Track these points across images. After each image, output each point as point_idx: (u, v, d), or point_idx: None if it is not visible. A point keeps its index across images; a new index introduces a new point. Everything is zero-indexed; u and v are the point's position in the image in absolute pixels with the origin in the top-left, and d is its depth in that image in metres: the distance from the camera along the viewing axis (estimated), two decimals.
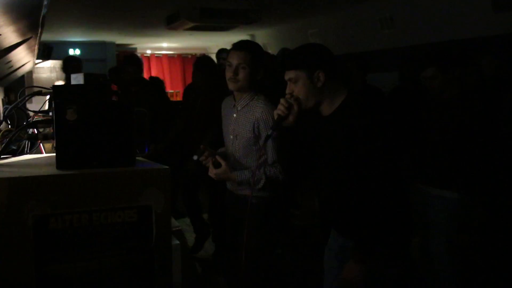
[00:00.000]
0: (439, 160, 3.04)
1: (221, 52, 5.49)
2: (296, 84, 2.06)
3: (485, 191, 3.76)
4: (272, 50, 8.68)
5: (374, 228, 2.01)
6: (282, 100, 2.12)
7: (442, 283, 3.09)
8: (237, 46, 2.64)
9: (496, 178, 3.79)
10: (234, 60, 2.59)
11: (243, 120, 2.63)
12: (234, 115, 2.68)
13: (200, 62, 4.48)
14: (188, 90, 4.80)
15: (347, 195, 2.09)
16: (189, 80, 11.68)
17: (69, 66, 4.88)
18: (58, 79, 9.04)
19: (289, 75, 2.07)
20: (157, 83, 6.32)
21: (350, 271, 2.05)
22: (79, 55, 9.84)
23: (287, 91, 2.10)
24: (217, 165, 2.59)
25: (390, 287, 2.13)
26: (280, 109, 2.10)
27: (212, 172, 2.60)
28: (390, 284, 2.12)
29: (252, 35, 9.42)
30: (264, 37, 9.15)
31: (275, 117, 2.15)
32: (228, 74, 2.61)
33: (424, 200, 3.10)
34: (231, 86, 2.62)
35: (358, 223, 2.05)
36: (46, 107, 1.70)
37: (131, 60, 4.48)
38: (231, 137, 2.70)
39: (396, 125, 3.48)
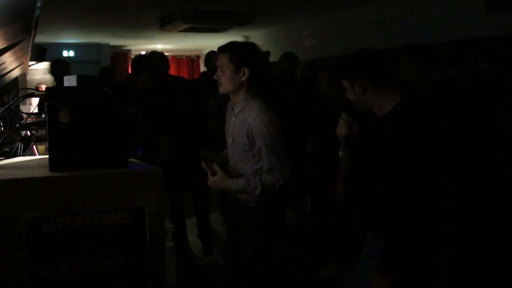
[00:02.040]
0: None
1: (211, 55, 5.50)
2: (347, 91, 2.19)
3: (477, 185, 3.79)
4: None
5: (405, 234, 2.03)
6: (341, 121, 2.28)
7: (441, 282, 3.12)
8: (219, 48, 2.63)
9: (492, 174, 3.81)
10: (218, 63, 2.59)
11: (239, 124, 2.58)
12: (233, 118, 2.64)
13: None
14: None
15: (385, 197, 2.13)
16: None
17: (57, 69, 4.85)
18: (52, 81, 9.02)
19: (342, 82, 2.21)
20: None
21: (378, 282, 2.09)
22: (73, 57, 9.82)
23: (347, 95, 2.22)
24: (215, 173, 2.56)
25: None
26: (343, 129, 2.26)
27: (209, 180, 2.57)
28: None
29: (246, 37, 9.43)
30: (258, 38, 9.16)
31: (340, 137, 2.29)
32: (216, 76, 2.61)
33: None
34: (219, 89, 2.62)
35: (391, 226, 2.08)
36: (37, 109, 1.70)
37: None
38: (230, 140, 2.67)
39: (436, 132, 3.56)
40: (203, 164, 2.57)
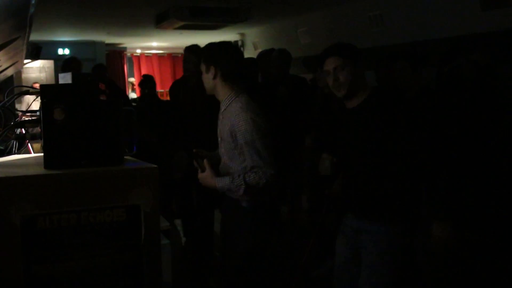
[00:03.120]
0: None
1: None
2: (343, 70, 2.32)
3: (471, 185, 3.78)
4: (262, 48, 8.67)
5: (397, 208, 2.32)
6: (326, 163, 2.62)
7: (439, 276, 3.12)
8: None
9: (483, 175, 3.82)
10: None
11: (224, 123, 2.59)
12: (221, 116, 2.64)
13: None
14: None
15: (380, 178, 2.34)
16: None
17: (71, 66, 4.82)
18: (47, 79, 9.00)
19: (337, 62, 2.34)
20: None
21: (443, 229, 2.34)
22: (68, 55, 9.78)
23: (332, 78, 2.36)
24: (204, 170, 2.57)
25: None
26: (325, 168, 2.64)
27: (198, 176, 2.59)
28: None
29: (242, 34, 9.41)
30: (253, 35, 9.15)
31: (321, 173, 2.62)
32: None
33: None
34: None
35: (382, 205, 2.34)
36: (33, 107, 1.70)
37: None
38: (219, 139, 2.68)
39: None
40: (195, 162, 2.58)
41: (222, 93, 2.60)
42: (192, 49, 3.97)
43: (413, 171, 2.33)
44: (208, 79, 2.60)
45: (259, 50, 8.45)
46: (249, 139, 2.44)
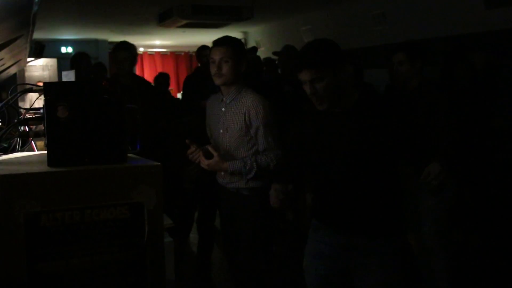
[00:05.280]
0: (420, 151, 3.07)
1: (203, 49, 5.47)
2: (321, 82, 2.01)
3: (472, 182, 3.79)
4: (265, 47, 8.67)
5: (392, 218, 2.12)
6: (276, 201, 2.35)
7: (438, 275, 3.11)
8: (218, 42, 2.75)
9: (483, 170, 3.82)
10: (216, 56, 2.69)
11: (233, 112, 2.70)
12: (223, 109, 2.74)
13: None
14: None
15: (372, 188, 2.08)
16: (182, 77, 11.65)
17: (79, 62, 4.78)
18: (50, 77, 9.00)
19: (313, 75, 2.01)
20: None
21: (434, 167, 2.30)
22: (71, 53, 9.80)
23: (310, 91, 2.05)
24: (208, 157, 2.63)
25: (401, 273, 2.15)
26: (276, 201, 2.35)
27: (205, 163, 2.64)
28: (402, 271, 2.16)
29: (245, 32, 9.41)
30: (256, 34, 9.14)
31: (273, 206, 2.39)
32: (213, 70, 2.71)
33: (418, 190, 3.12)
34: (217, 81, 2.71)
35: (378, 216, 2.10)
36: (36, 104, 1.70)
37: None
38: (221, 131, 2.74)
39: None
40: (190, 150, 2.69)
41: (234, 85, 2.73)
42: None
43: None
44: (239, 71, 2.71)
45: (262, 49, 8.46)
46: (269, 122, 2.66)
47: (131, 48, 3.95)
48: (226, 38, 2.77)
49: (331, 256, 2.17)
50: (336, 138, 2.11)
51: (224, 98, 2.76)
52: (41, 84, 1.71)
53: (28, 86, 1.64)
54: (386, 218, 2.10)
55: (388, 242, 2.10)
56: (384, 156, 2.06)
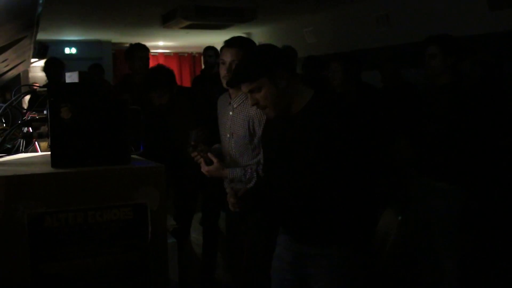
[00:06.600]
0: (437, 151, 3.03)
1: (208, 50, 5.46)
2: (259, 92, 1.96)
3: (482, 185, 3.76)
4: None
5: (345, 226, 1.98)
6: (230, 206, 2.11)
7: (447, 279, 3.09)
8: (229, 43, 2.60)
9: (497, 172, 3.79)
10: (227, 57, 2.57)
11: (238, 118, 2.61)
12: (230, 112, 2.66)
13: None
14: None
15: (318, 196, 1.96)
16: (185, 78, 11.66)
17: (51, 68, 4.81)
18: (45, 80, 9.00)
19: (249, 86, 1.96)
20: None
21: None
22: (75, 54, 9.83)
23: (252, 103, 2.01)
24: (209, 163, 2.60)
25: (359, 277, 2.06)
26: (231, 207, 2.12)
27: (204, 169, 2.61)
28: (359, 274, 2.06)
29: (248, 34, 9.41)
30: (259, 35, 9.14)
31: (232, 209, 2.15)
32: (222, 72, 2.59)
33: (427, 193, 3.10)
34: (225, 83, 2.60)
35: (327, 224, 1.99)
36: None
37: None
38: (228, 135, 2.68)
39: (368, 122, 3.55)
40: (194, 154, 2.61)
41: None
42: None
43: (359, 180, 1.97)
44: None
45: None
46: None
47: (146, 48, 4.26)
48: (237, 39, 2.62)
49: (289, 262, 2.14)
50: (284, 144, 2.04)
51: (231, 101, 2.66)
52: (37, 85, 1.72)
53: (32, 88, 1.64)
54: (337, 227, 1.99)
55: (339, 251, 2.00)
56: (331, 163, 1.90)
